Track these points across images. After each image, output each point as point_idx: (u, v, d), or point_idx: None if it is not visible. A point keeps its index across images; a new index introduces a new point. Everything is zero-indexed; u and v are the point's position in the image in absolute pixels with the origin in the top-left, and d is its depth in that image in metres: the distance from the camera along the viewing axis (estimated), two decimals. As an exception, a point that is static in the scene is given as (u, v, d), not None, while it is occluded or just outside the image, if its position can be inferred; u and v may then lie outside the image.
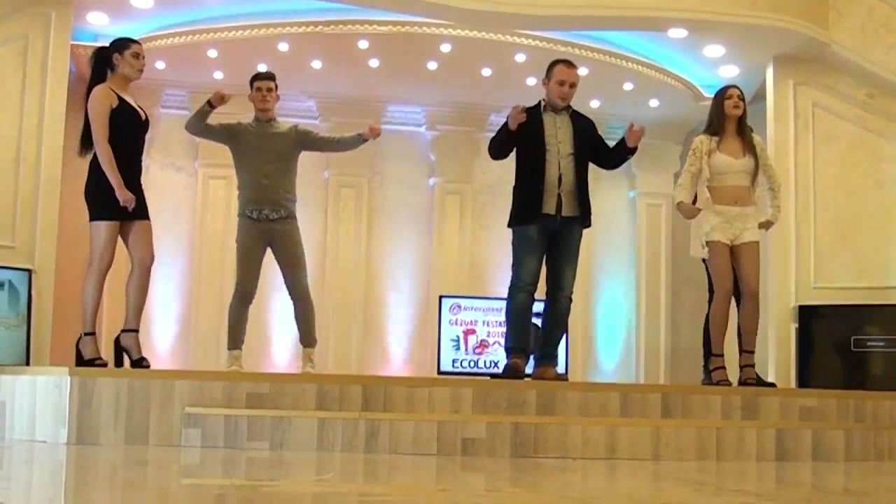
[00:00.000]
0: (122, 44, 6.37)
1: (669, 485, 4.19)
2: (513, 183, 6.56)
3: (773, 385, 8.16)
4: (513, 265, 6.41)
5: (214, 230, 10.41)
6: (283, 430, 5.11)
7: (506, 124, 6.34)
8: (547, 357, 6.41)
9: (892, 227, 9.38)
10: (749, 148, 6.75)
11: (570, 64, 6.55)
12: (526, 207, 6.35)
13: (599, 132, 6.83)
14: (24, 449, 5.06)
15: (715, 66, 9.97)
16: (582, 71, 9.67)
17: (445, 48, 9.34)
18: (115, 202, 6.18)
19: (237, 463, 4.63)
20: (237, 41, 9.18)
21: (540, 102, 6.56)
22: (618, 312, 11.35)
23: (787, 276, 9.38)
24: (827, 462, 5.34)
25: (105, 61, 6.33)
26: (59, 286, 8.13)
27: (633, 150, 6.44)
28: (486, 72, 9.90)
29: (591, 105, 10.66)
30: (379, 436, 5.08)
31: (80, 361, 6.20)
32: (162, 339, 10.30)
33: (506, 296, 6.43)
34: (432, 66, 9.73)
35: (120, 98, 6.26)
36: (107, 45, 6.46)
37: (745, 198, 6.72)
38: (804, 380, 9.16)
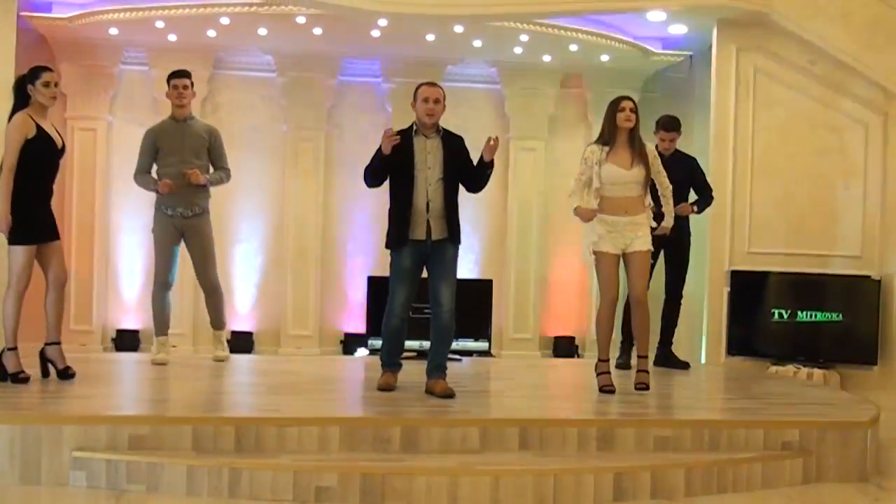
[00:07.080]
0: (33, 74, 6.61)
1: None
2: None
3: (686, 365, 8.55)
4: (389, 291, 6.76)
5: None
6: (157, 475, 5.62)
7: (379, 150, 6.51)
8: (436, 370, 6.84)
9: (828, 194, 9.52)
10: (640, 158, 6.91)
11: (432, 84, 6.69)
12: (397, 233, 6.64)
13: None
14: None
15: (664, 26, 9.97)
16: (523, 37, 9.79)
17: (382, 23, 9.45)
18: (32, 227, 6.60)
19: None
20: (181, 18, 9.39)
21: (412, 126, 6.66)
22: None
23: (721, 241, 9.60)
24: (667, 500, 5.75)
25: (23, 89, 6.66)
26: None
27: (490, 164, 6.62)
28: (430, 37, 9.98)
29: (544, 59, 10.73)
30: (241, 483, 5.56)
31: (4, 375, 6.78)
32: (129, 291, 10.83)
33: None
34: (375, 33, 9.83)
35: (38, 126, 6.59)
36: (24, 73, 6.70)
37: (634, 207, 6.93)
38: (732, 347, 9.54)
